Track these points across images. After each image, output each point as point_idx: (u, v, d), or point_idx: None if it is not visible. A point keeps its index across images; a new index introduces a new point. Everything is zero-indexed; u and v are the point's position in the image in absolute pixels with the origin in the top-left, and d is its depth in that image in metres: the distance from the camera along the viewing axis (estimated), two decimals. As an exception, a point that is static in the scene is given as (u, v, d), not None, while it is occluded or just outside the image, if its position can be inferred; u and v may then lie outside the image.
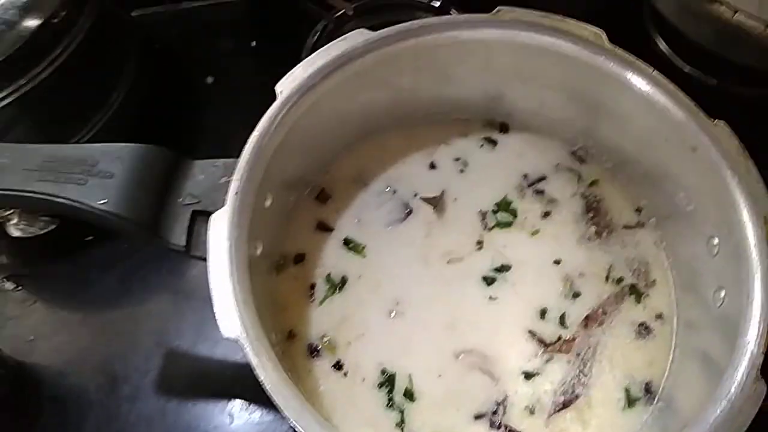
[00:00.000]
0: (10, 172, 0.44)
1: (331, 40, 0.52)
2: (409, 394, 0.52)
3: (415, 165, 0.63)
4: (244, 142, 0.48)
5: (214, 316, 0.69)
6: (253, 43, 0.87)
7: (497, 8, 0.54)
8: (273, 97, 0.52)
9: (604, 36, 0.53)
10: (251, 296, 0.44)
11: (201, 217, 0.47)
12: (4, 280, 0.74)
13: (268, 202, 0.51)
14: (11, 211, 0.73)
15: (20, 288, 0.74)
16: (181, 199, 0.47)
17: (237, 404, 0.66)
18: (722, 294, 0.49)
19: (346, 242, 0.59)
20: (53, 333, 0.71)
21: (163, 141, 0.55)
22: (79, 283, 0.73)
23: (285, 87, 0.50)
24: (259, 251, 0.50)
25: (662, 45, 0.86)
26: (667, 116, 0.51)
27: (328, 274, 0.57)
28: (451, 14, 0.72)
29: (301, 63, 0.51)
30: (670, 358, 0.54)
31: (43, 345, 0.71)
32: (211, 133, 0.81)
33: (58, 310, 0.73)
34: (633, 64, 0.52)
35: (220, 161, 0.49)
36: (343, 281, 0.57)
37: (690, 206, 0.53)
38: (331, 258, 0.58)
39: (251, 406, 0.65)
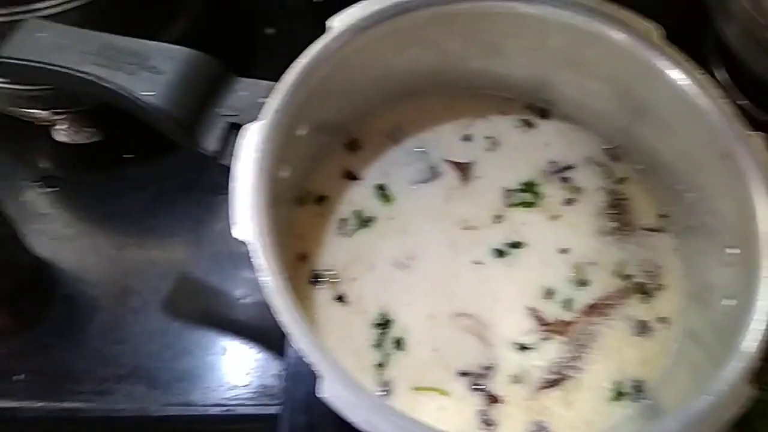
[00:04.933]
0: (68, 52, 0.47)
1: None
2: (399, 344, 0.53)
3: (450, 134, 0.64)
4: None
5: (230, 249, 0.72)
6: (319, -1, 0.89)
7: (558, -13, 0.55)
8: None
9: (657, 32, 0.53)
10: (269, 208, 0.45)
11: (236, 130, 0.49)
12: (41, 181, 0.78)
13: (302, 132, 0.53)
14: (63, 116, 0.77)
15: (55, 190, 0.77)
16: (220, 110, 0.49)
17: (235, 340, 0.68)
18: (729, 304, 0.48)
19: (379, 188, 0.60)
20: (76, 237, 0.74)
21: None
22: (111, 197, 0.76)
23: (338, 23, 0.52)
24: (285, 174, 0.51)
25: (721, 73, 0.85)
26: (705, 120, 0.51)
27: (357, 211, 0.59)
28: None
29: (357, 4, 0.53)
30: (665, 361, 0.54)
31: (65, 246, 0.74)
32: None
33: (86, 217, 0.76)
34: (680, 64, 0.52)
35: (264, 82, 0.50)
36: (369, 220, 0.59)
37: (712, 216, 0.53)
38: (360, 200, 0.59)
39: (248, 343, 0.67)
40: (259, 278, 0.42)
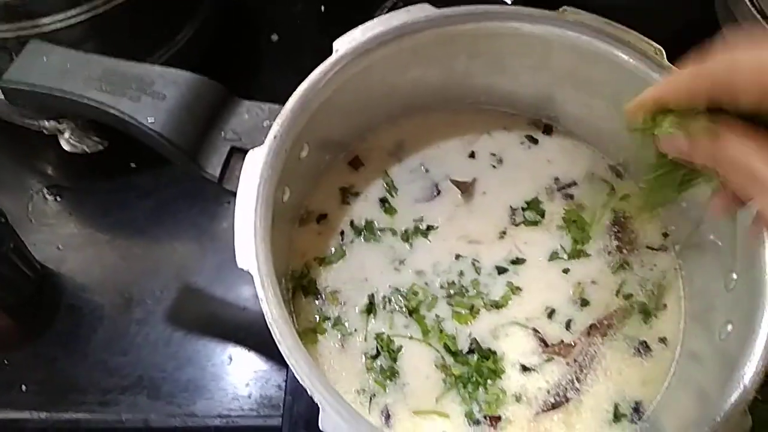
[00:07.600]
0: (71, 77, 0.47)
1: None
2: (396, 367, 0.54)
3: (454, 150, 0.64)
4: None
5: (233, 258, 0.72)
6: (322, 8, 0.88)
7: (563, 8, 0.54)
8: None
9: (664, 54, 0.53)
10: (269, 235, 0.45)
11: (238, 153, 0.49)
12: (47, 189, 0.78)
13: (303, 154, 0.53)
14: (64, 124, 0.77)
15: (59, 199, 0.77)
16: (223, 134, 0.49)
17: (238, 349, 0.68)
18: (729, 328, 0.48)
19: (382, 201, 0.60)
20: (81, 247, 0.74)
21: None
22: (115, 206, 0.76)
23: (342, 45, 0.52)
24: (286, 197, 0.51)
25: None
26: (710, 143, 0.51)
27: (358, 229, 0.59)
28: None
29: (360, 26, 0.53)
30: (666, 383, 0.54)
31: (70, 256, 0.74)
32: (265, 87, 0.83)
33: (91, 226, 0.76)
34: (686, 86, 0.52)
35: (266, 105, 0.50)
36: (370, 238, 0.59)
37: (714, 238, 0.53)
38: (360, 218, 0.60)
39: (251, 353, 0.67)
40: (262, 307, 0.42)
